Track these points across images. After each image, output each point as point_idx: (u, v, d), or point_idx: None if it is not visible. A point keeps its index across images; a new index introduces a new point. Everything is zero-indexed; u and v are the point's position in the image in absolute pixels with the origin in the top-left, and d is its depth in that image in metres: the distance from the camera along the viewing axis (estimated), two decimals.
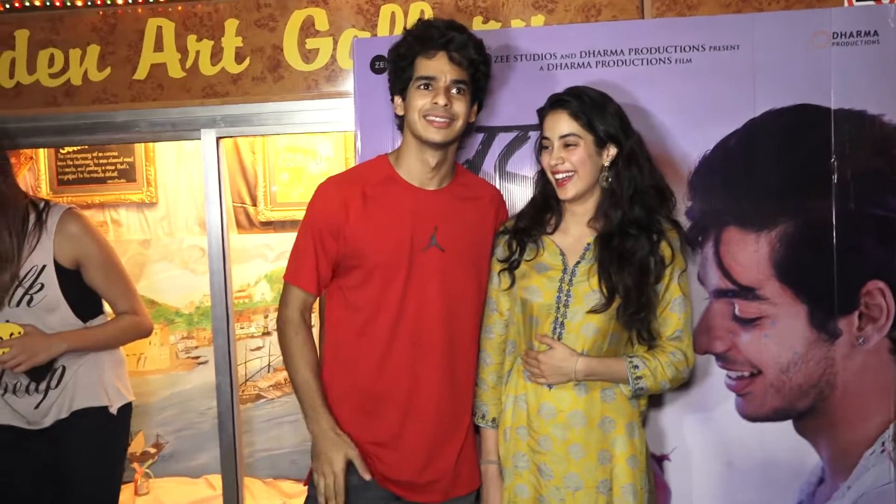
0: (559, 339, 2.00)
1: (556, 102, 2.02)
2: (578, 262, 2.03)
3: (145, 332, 2.58)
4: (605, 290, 1.97)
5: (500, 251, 2.13)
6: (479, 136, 2.47)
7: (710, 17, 2.52)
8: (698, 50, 2.41)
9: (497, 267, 2.13)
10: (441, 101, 1.99)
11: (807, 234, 2.38)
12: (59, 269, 2.39)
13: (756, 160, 2.39)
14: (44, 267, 2.37)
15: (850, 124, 2.37)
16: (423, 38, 2.01)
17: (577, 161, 1.99)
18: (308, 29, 2.79)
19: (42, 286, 2.37)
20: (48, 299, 2.38)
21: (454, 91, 2.02)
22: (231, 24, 2.82)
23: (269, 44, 2.81)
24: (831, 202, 2.37)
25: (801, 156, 2.38)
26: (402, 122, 2.14)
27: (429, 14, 2.70)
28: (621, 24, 2.56)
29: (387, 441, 2.08)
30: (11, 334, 2.33)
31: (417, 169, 2.09)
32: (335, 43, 2.79)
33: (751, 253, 2.39)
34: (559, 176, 2.01)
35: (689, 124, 2.40)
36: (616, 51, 2.44)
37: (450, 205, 2.11)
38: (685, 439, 2.42)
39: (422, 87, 2.02)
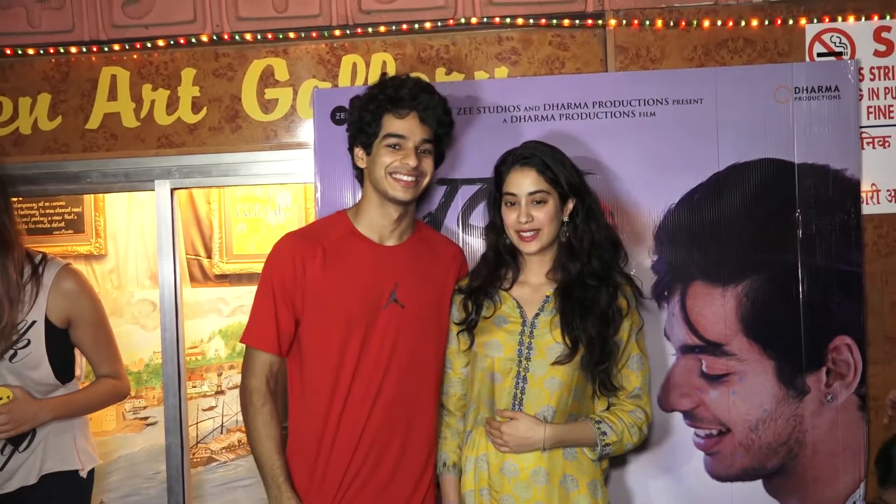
0: (522, 394, 2.09)
1: (522, 159, 2.13)
2: (538, 314, 2.13)
3: (123, 397, 2.62)
4: (568, 341, 2.07)
5: (457, 313, 2.22)
6: (442, 189, 2.57)
7: (674, 70, 2.66)
8: (662, 103, 2.55)
9: (455, 329, 2.22)
10: (412, 162, 2.11)
11: (773, 289, 2.50)
12: (49, 327, 2.41)
13: (721, 214, 2.52)
14: (33, 323, 2.38)
15: (814, 178, 2.52)
16: (395, 98, 2.13)
17: (545, 219, 2.11)
18: (267, 79, 2.88)
19: (28, 342, 2.38)
20: (32, 357, 2.39)
21: (422, 150, 2.14)
22: (188, 74, 2.90)
23: (227, 93, 2.89)
24: (797, 257, 2.50)
25: (767, 210, 2.51)
26: (361, 174, 2.25)
27: (391, 64, 2.80)
28: (585, 77, 2.68)
29: None
30: (0, 399, 2.33)
31: (378, 223, 2.19)
32: (295, 93, 2.87)
33: (717, 308, 2.50)
34: (526, 234, 2.12)
35: (653, 178, 2.53)
36: (580, 104, 2.58)
37: (410, 261, 2.20)
38: (652, 500, 2.50)
39: (391, 145, 2.13)
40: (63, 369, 2.48)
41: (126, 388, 2.61)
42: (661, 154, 2.54)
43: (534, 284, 2.19)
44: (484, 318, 2.17)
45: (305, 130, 2.86)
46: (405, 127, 2.13)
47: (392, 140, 2.13)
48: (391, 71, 2.81)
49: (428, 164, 2.16)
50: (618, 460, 2.46)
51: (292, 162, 2.88)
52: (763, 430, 2.49)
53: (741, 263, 2.51)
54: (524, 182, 2.11)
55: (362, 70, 2.82)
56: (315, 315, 2.13)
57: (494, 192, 2.21)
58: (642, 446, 2.42)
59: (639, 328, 2.18)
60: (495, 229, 2.22)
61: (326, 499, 2.12)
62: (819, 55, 2.67)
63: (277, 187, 3.94)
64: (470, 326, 2.17)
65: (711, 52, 2.71)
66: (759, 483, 2.50)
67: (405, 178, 2.12)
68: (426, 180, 2.17)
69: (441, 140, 2.22)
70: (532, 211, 2.10)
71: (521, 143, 2.23)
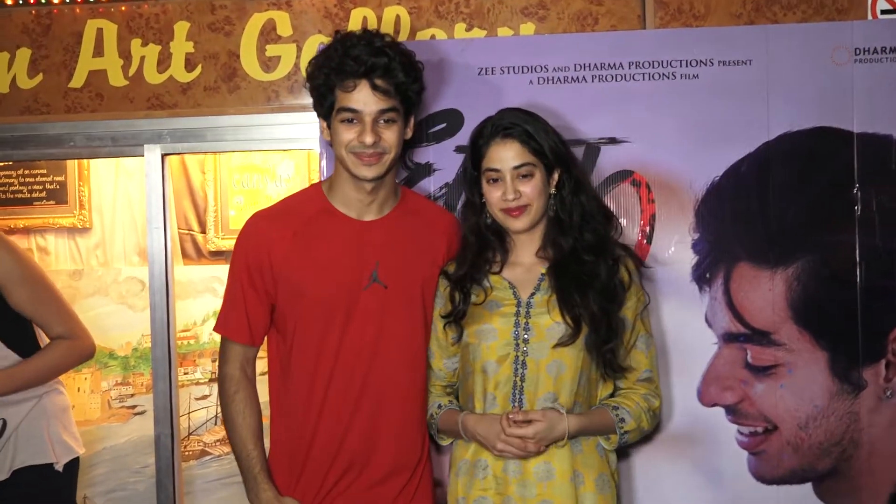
0: (521, 381, 2.04)
1: (503, 130, 2.08)
2: (533, 294, 2.09)
3: (86, 356, 2.57)
4: (569, 320, 2.03)
5: (442, 304, 2.17)
6: (460, 158, 2.48)
7: (720, 28, 2.60)
8: (706, 65, 2.47)
9: (440, 322, 2.17)
10: (368, 139, 2.02)
11: (827, 272, 2.42)
12: None
13: (770, 188, 2.44)
14: None
15: (875, 150, 2.43)
16: (339, 68, 2.03)
17: (533, 193, 2.06)
18: (268, 34, 2.83)
19: None
20: None
21: (382, 121, 2.06)
22: (181, 28, 2.86)
23: (224, 50, 2.85)
24: (855, 237, 2.42)
25: (821, 184, 2.44)
26: None
27: (405, 19, 2.75)
28: (621, 34, 2.62)
29: None
30: None
31: (353, 197, 2.14)
32: (299, 50, 2.83)
33: (765, 292, 2.42)
34: (513, 210, 2.07)
35: (695, 147, 2.46)
36: (615, 64, 2.49)
37: (392, 236, 2.16)
38: (691, 502, 2.44)
39: (345, 120, 2.05)
40: (19, 343, 2.43)
41: (87, 347, 2.55)
42: (704, 121, 2.47)
43: (526, 264, 2.15)
44: (474, 304, 2.12)
45: None
46: (357, 100, 2.03)
47: (345, 115, 2.05)
48: (405, 28, 2.76)
49: (391, 135, 2.06)
50: (655, 461, 2.42)
51: (295, 126, 2.84)
52: (814, 427, 2.42)
53: (792, 243, 2.43)
54: (507, 156, 2.06)
55: (373, 25, 2.77)
56: (289, 301, 2.12)
57: (471, 169, 2.15)
58: (676, 443, 2.40)
59: (644, 306, 2.15)
60: (473, 209, 2.17)
61: (309, 493, 2.12)
62: (883, 12, 2.61)
63: (278, 156, 3.92)
64: (457, 317, 2.12)
65: (762, 7, 2.66)
66: (808, 486, 2.43)
67: (366, 155, 2.05)
68: (392, 154, 2.08)
69: (409, 100, 2.11)
70: (519, 186, 2.05)
71: (497, 111, 2.16)
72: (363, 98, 2.03)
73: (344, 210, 2.15)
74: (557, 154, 2.09)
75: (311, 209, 2.16)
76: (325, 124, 2.14)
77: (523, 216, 2.07)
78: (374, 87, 2.02)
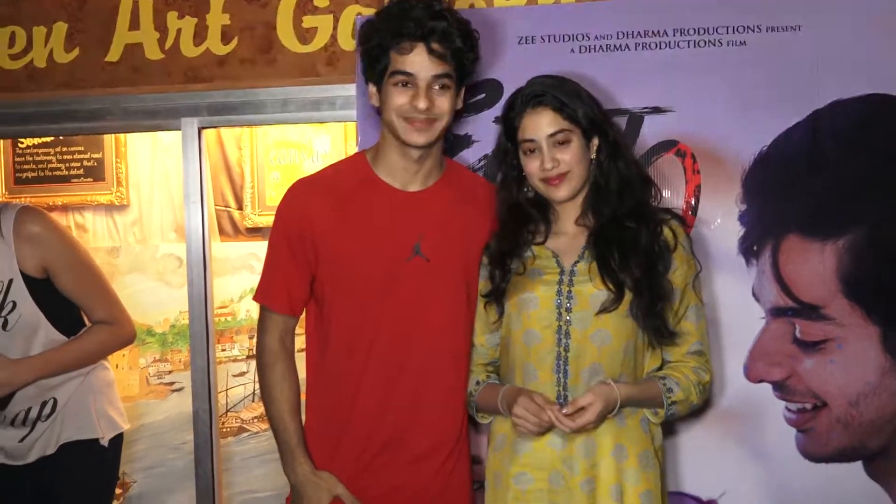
0: (566, 351, 2.02)
1: (533, 98, 2.06)
2: (577, 262, 2.08)
3: (126, 342, 2.61)
4: (611, 286, 2.01)
5: (482, 284, 2.17)
6: (498, 130, 2.49)
7: None
8: (753, 31, 2.44)
9: (482, 301, 2.17)
10: (422, 104, 2.02)
11: (880, 244, 2.38)
12: (28, 281, 2.39)
13: (821, 158, 2.40)
14: (10, 281, 2.37)
15: None
16: (396, 30, 2.02)
17: (572, 160, 2.04)
18: (305, 5, 2.82)
19: (14, 304, 2.37)
20: (25, 318, 2.38)
21: (436, 87, 2.05)
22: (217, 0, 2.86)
23: (260, 21, 2.84)
24: None
25: (874, 153, 2.39)
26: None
27: None
28: (665, 0, 2.55)
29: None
30: None
31: (398, 167, 2.13)
32: (336, 21, 2.81)
33: (815, 265, 2.39)
34: (553, 179, 2.05)
35: (743, 116, 2.43)
36: (659, 31, 2.47)
37: (437, 208, 2.15)
38: (736, 481, 2.42)
39: (399, 84, 2.04)
40: (67, 324, 2.46)
41: (127, 333, 2.58)
42: (751, 89, 2.43)
43: (570, 233, 2.14)
44: (517, 274, 2.11)
45: (347, 63, 2.79)
46: (412, 63, 2.02)
47: (399, 78, 2.03)
48: None
49: (444, 102, 2.06)
50: (699, 438, 2.41)
51: (333, 99, 2.84)
52: (865, 405, 2.38)
53: (843, 215, 2.39)
54: (541, 124, 2.04)
55: None
56: (330, 271, 2.11)
57: (506, 143, 2.14)
58: (722, 420, 2.39)
59: (695, 274, 2.13)
60: (508, 185, 2.16)
61: (346, 468, 2.12)
62: None
63: (315, 131, 3.92)
64: (497, 295, 2.12)
65: None
66: (858, 465, 2.40)
67: (418, 121, 2.04)
68: (444, 122, 2.08)
69: (464, 68, 2.10)
70: (556, 154, 2.03)
71: (527, 80, 2.13)
72: (419, 61, 2.02)
73: (388, 180, 2.14)
74: (592, 120, 2.06)
75: (354, 178, 2.15)
76: (374, 89, 2.12)
77: (564, 184, 2.05)
78: (431, 51, 2.01)
